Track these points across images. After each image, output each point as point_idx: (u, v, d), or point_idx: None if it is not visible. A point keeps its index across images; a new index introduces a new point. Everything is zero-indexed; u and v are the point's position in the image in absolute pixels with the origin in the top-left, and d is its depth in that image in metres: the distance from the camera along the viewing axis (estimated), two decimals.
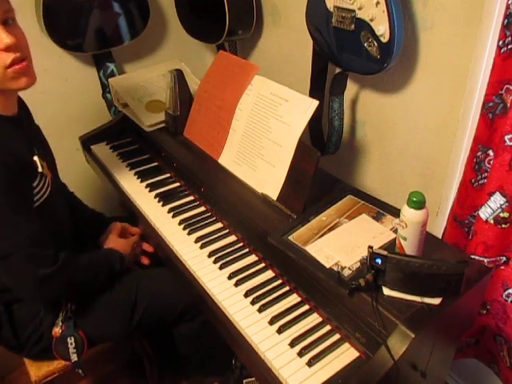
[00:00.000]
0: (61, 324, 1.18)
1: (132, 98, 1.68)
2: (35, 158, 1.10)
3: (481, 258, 1.16)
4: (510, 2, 0.93)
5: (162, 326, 1.33)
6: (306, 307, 1.05)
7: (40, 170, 1.10)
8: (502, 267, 1.18)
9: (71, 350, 1.18)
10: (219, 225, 1.32)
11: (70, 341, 1.18)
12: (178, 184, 1.50)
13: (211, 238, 1.26)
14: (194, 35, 1.81)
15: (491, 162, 1.08)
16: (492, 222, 1.11)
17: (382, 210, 1.15)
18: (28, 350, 1.22)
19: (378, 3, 1.13)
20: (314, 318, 1.03)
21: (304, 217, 1.15)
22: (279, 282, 1.12)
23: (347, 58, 1.29)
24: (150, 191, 1.47)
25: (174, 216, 1.35)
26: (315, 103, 1.17)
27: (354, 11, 1.19)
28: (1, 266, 1.04)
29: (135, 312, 1.26)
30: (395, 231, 1.07)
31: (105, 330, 1.26)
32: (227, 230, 1.29)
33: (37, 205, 1.10)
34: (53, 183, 1.18)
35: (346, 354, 0.95)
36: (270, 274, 1.15)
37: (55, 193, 1.19)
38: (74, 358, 1.18)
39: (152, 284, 1.30)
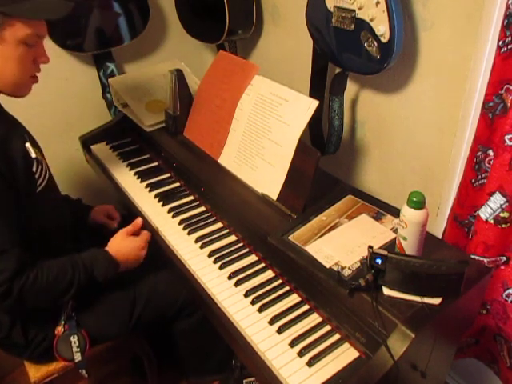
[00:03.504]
0: (63, 323, 1.16)
1: (132, 98, 1.67)
2: (27, 144, 1.11)
3: (481, 258, 1.16)
4: (510, 2, 0.93)
5: (161, 321, 1.33)
6: (306, 307, 1.05)
7: (34, 155, 1.11)
8: (502, 267, 1.18)
9: (75, 349, 1.15)
10: (219, 225, 1.32)
11: (74, 339, 1.15)
12: (177, 184, 1.50)
13: (211, 237, 1.26)
14: (194, 35, 1.81)
15: (491, 162, 1.08)
16: (492, 221, 1.11)
17: (382, 209, 1.15)
18: (31, 351, 1.20)
19: (378, 3, 1.13)
20: (314, 318, 1.03)
21: (304, 217, 1.15)
22: (279, 281, 1.12)
23: (347, 57, 1.29)
24: (150, 191, 1.47)
25: (174, 216, 1.35)
26: (315, 103, 1.17)
27: (354, 11, 1.19)
28: None
29: (134, 308, 1.26)
30: (395, 231, 1.07)
31: (105, 328, 1.25)
32: (227, 230, 1.29)
33: (39, 190, 1.11)
34: (49, 170, 1.19)
35: (346, 354, 0.95)
36: (270, 273, 1.15)
37: (52, 181, 1.20)
38: (78, 357, 1.16)
39: (150, 279, 1.30)
